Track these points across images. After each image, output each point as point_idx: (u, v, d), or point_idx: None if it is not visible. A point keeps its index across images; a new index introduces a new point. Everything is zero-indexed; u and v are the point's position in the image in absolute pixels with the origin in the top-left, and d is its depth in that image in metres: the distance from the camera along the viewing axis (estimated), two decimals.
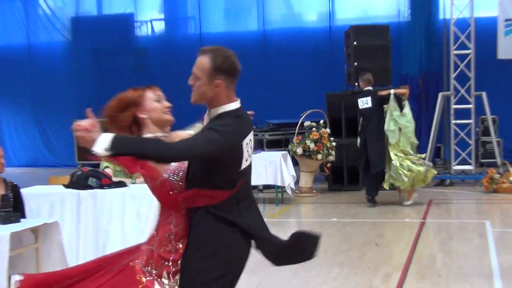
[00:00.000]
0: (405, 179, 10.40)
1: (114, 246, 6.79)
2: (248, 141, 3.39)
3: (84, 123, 2.90)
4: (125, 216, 6.82)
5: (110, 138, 2.87)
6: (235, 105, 3.47)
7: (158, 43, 19.10)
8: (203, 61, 3.44)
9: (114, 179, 7.27)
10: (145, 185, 7.23)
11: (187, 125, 15.07)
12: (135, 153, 3.00)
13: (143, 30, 19.65)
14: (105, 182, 7.04)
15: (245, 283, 7.15)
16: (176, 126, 13.73)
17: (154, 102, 3.59)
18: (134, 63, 18.50)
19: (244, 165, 3.35)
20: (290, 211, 11.29)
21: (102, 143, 2.84)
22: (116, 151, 2.89)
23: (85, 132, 2.88)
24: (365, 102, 10.47)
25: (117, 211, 6.83)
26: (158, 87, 3.77)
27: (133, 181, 7.52)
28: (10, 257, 4.75)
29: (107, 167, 7.62)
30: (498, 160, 13.54)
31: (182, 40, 18.62)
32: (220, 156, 3.15)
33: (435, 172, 10.98)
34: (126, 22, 19.25)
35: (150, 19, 19.57)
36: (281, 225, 10.21)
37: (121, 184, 7.14)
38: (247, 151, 3.37)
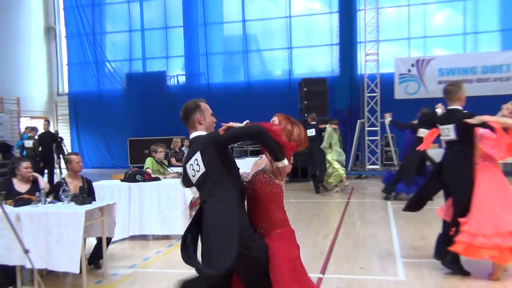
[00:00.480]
0: (340, 173, 10.80)
1: (152, 218, 6.84)
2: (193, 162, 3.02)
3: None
4: (160, 199, 6.86)
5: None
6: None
7: (181, 89, 19.06)
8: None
9: (153, 176, 7.29)
10: (173, 179, 7.27)
11: None
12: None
13: (172, 81, 19.60)
14: (147, 178, 7.10)
15: None
16: None
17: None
18: (166, 103, 18.47)
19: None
20: (288, 194, 11.30)
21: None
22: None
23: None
24: (311, 132, 10.59)
25: (155, 197, 6.87)
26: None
27: (165, 177, 7.55)
28: (85, 226, 4.77)
29: (148, 168, 7.62)
30: (395, 162, 13.69)
31: (197, 87, 18.65)
32: None
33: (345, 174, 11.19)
34: (161, 76, 19.18)
35: (176, 74, 19.57)
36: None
37: (157, 179, 7.19)
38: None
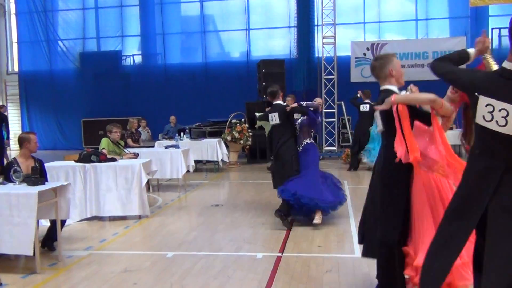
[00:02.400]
0: None
1: (109, 200, 6.66)
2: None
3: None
4: (116, 180, 6.68)
5: None
6: None
7: (137, 70, 18.60)
8: None
9: (109, 156, 7.06)
10: (129, 160, 7.11)
11: (159, 129, 14.30)
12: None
13: (128, 61, 19.08)
14: (102, 158, 6.86)
15: (190, 224, 7.09)
16: (154, 130, 13.14)
17: None
18: (121, 83, 18.00)
19: None
20: (223, 176, 11.24)
21: None
22: None
23: None
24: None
25: (111, 178, 6.68)
26: None
27: (121, 158, 7.34)
28: (38, 208, 4.55)
29: (103, 148, 7.38)
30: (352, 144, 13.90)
31: (153, 68, 18.23)
32: None
33: None
34: (116, 56, 18.57)
35: (132, 54, 19.03)
36: (218, 185, 10.17)
37: (113, 160, 6.97)
38: None
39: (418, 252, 3.18)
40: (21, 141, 5.36)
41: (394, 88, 3.49)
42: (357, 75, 14.99)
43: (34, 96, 19.00)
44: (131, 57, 19.06)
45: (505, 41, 16.57)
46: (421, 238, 3.21)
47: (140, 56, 19.01)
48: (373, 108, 3.63)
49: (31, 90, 19.02)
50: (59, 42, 18.89)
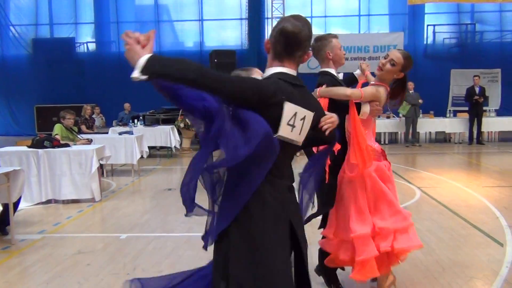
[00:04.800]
0: None
1: (63, 184, 6.52)
2: None
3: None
4: (70, 165, 6.54)
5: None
6: None
7: (91, 57, 18.04)
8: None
9: (62, 142, 6.89)
10: (83, 146, 6.98)
11: (114, 116, 14.04)
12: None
13: (81, 49, 18.42)
14: (56, 144, 6.68)
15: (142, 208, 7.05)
16: (108, 117, 12.88)
17: None
18: (75, 70, 17.40)
19: None
20: (176, 161, 11.19)
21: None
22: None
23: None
24: None
25: (64, 163, 6.53)
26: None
27: (74, 143, 7.18)
28: None
29: (56, 134, 7.19)
30: None
31: (106, 56, 17.74)
32: None
33: None
34: (70, 43, 17.89)
35: (86, 41, 18.39)
36: (171, 170, 10.12)
37: (66, 145, 6.80)
38: None
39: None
40: None
41: (331, 70, 3.29)
42: (303, 66, 15.11)
43: None
44: (85, 44, 18.44)
45: (439, 37, 17.34)
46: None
47: (94, 44, 18.43)
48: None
49: None
50: (11, 27, 17.99)
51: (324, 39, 3.29)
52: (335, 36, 3.32)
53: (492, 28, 17.00)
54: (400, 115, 13.07)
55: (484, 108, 13.44)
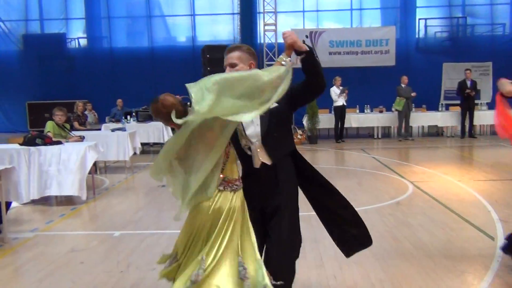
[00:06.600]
0: None
1: (55, 183, 6.46)
2: None
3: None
4: (60, 163, 6.49)
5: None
6: None
7: (82, 53, 17.93)
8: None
9: (54, 139, 6.84)
10: (75, 143, 6.96)
11: (106, 112, 13.92)
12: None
13: (72, 44, 18.30)
14: (48, 141, 6.63)
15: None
16: (100, 113, 12.77)
17: None
18: (66, 66, 17.30)
19: None
20: None
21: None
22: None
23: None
24: None
25: (55, 160, 6.48)
26: None
27: (67, 141, 7.13)
28: None
29: (48, 131, 7.14)
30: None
31: (98, 52, 17.65)
32: None
33: None
34: (60, 38, 17.77)
35: (77, 37, 18.25)
36: None
37: (58, 143, 6.76)
38: None
39: None
40: None
41: None
42: (296, 61, 15.20)
43: None
44: (76, 40, 18.32)
45: (431, 30, 17.38)
46: None
47: (86, 39, 18.30)
48: None
49: None
50: (1, 23, 17.82)
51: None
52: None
53: (483, 21, 17.08)
54: (393, 109, 13.10)
55: (476, 101, 13.52)
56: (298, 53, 2.47)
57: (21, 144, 6.58)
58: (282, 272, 2.49)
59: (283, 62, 2.42)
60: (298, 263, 2.71)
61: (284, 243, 2.53)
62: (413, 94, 12.76)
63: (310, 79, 2.50)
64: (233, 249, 2.40)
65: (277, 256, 2.52)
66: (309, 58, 2.45)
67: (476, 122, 13.48)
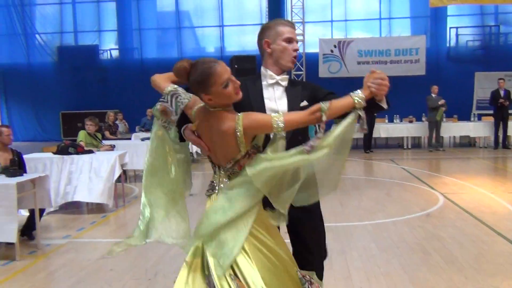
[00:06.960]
0: None
1: (86, 191, 6.60)
2: None
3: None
4: (93, 171, 6.64)
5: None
6: None
7: (114, 64, 18.39)
8: None
9: (86, 148, 7.03)
10: (106, 152, 7.10)
11: (137, 122, 14.10)
12: None
13: (105, 56, 18.82)
14: (80, 150, 6.80)
15: None
16: (131, 122, 12.99)
17: None
18: (98, 77, 17.78)
19: None
20: (198, 167, 11.24)
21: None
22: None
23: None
24: None
25: (86, 169, 6.64)
26: None
27: (98, 150, 7.31)
28: (17, 198, 4.53)
29: (81, 141, 7.34)
30: None
31: (129, 63, 18.07)
32: None
33: None
34: (93, 50, 18.31)
35: (109, 48, 18.78)
36: (193, 176, 10.15)
37: (90, 152, 6.93)
38: None
39: None
40: None
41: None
42: (324, 71, 15.17)
43: (12, 89, 18.59)
44: (108, 51, 18.82)
45: (462, 39, 17.07)
46: None
47: (117, 51, 18.77)
48: None
49: (9, 83, 18.60)
50: (37, 36, 18.50)
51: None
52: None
53: None
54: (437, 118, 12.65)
55: (510, 111, 13.15)
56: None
57: (54, 153, 6.78)
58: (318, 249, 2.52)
59: (359, 113, 2.03)
60: (325, 274, 2.69)
61: (317, 228, 2.55)
62: (440, 102, 12.42)
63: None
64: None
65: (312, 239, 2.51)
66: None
67: (510, 132, 13.10)
